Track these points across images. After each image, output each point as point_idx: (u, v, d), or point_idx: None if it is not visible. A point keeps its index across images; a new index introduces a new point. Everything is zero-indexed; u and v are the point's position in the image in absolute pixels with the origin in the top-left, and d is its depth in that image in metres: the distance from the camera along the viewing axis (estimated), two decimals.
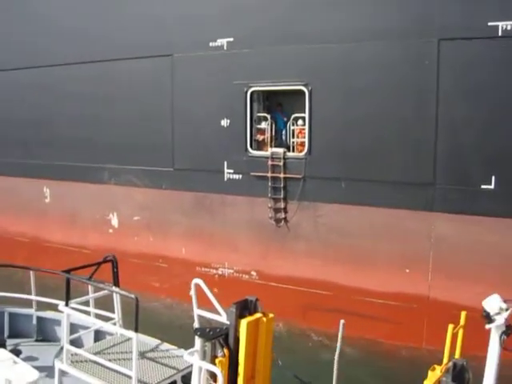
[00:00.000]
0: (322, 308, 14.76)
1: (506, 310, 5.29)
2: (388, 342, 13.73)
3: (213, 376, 6.30)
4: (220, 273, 16.67)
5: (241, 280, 16.15)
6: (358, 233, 14.73)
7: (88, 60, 18.55)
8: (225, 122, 16.25)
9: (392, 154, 14.13)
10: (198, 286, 6.61)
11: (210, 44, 16.23)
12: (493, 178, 13.02)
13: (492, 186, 13.05)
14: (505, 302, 5.35)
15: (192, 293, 6.61)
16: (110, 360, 7.23)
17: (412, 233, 14.02)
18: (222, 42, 16.07)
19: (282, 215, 15.71)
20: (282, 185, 15.55)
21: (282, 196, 15.59)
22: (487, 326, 5.31)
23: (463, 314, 5.97)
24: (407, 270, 14.14)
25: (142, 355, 7.52)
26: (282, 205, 15.66)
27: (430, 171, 13.72)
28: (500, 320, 5.21)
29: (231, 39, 15.93)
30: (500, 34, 12.55)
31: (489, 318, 5.34)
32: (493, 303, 5.33)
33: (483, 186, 13.12)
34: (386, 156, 14.21)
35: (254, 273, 16.16)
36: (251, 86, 15.88)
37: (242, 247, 16.33)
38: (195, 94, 16.81)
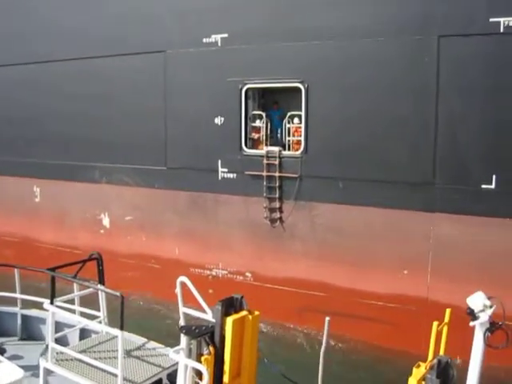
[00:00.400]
0: (317, 310, 14.86)
1: (490, 307, 5.41)
2: (385, 345, 13.86)
3: (198, 374, 6.45)
4: (214, 274, 16.81)
5: (235, 281, 16.29)
6: (355, 233, 14.84)
7: (79, 56, 18.69)
8: (219, 120, 16.39)
9: (390, 152, 14.24)
10: (183, 284, 6.77)
11: (204, 40, 16.36)
12: (493, 177, 13.13)
13: (493, 186, 13.15)
14: (489, 299, 5.47)
15: (177, 291, 6.77)
16: (95, 358, 7.38)
17: (410, 233, 14.14)
18: (216, 38, 16.20)
19: (278, 215, 15.85)
20: (277, 184, 15.69)
21: (277, 195, 15.73)
22: (471, 324, 5.44)
23: (448, 311, 6.14)
24: (405, 272, 14.26)
25: (128, 353, 7.67)
26: (277, 204, 15.79)
27: (429, 170, 13.83)
28: (484, 317, 5.33)
29: (225, 35, 16.06)
30: (502, 30, 12.63)
31: (473, 315, 5.45)
32: (477, 300, 5.45)
33: (484, 186, 13.23)
34: (385, 155, 14.32)
35: (248, 274, 16.31)
36: (246, 83, 16.00)
37: (236, 248, 16.47)
38: (188, 91, 16.93)
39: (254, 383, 6.97)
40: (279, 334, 15.20)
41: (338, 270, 14.96)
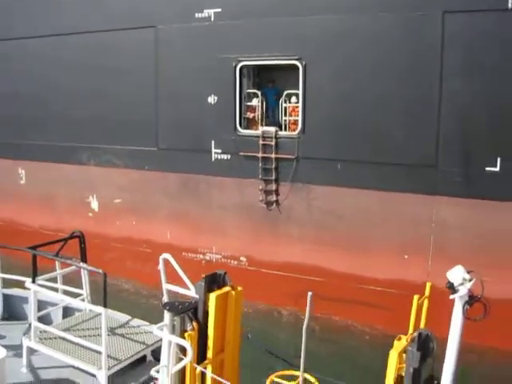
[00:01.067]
0: (315, 295, 15.16)
1: (470, 280, 5.75)
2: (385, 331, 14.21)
3: (182, 350, 6.80)
4: (207, 258, 17.19)
5: (229, 266, 16.64)
6: (354, 217, 15.19)
7: (66, 32, 18.90)
8: (212, 99, 16.64)
9: (392, 133, 14.51)
10: (167, 262, 7.12)
11: (196, 15, 16.55)
12: (498, 159, 13.38)
13: (497, 169, 13.42)
14: (468, 272, 5.82)
15: (160, 267, 7.12)
16: (79, 336, 7.77)
17: (412, 217, 14.46)
18: (209, 12, 16.38)
19: (274, 198, 16.18)
20: (273, 166, 16.00)
21: (273, 177, 16.05)
22: (451, 297, 5.77)
23: (428, 284, 6.54)
24: (406, 256, 14.58)
25: (112, 331, 8.07)
26: (273, 187, 16.12)
27: (432, 153, 14.10)
28: (463, 290, 5.65)
29: (219, 10, 16.24)
30: (510, 6, 12.77)
31: (453, 289, 5.80)
32: (456, 274, 5.79)
33: (488, 169, 13.49)
34: (386, 136, 14.59)
35: (243, 258, 16.69)
36: (241, 61, 16.23)
37: (230, 231, 16.84)
38: (180, 69, 17.18)
39: (238, 358, 7.36)
40: (274, 318, 15.57)
41: (336, 255, 15.31)
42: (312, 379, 6.94)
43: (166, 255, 7.09)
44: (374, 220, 14.98)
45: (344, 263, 15.22)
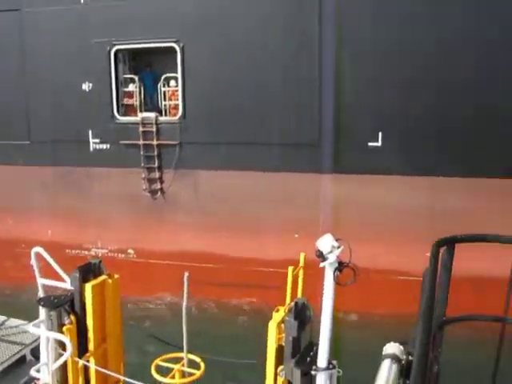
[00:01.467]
0: (209, 282, 15.41)
1: (338, 247, 6.20)
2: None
3: (62, 345, 6.80)
4: (93, 254, 16.92)
5: (117, 260, 16.54)
6: (242, 199, 15.55)
7: None
8: (87, 86, 16.36)
9: (274, 114, 14.97)
10: (38, 255, 7.05)
11: None
12: (380, 134, 14.15)
13: (379, 144, 14.19)
14: (337, 240, 6.27)
15: (33, 262, 7.04)
16: None
17: (299, 196, 15.04)
18: None
19: (158, 186, 16.26)
20: (155, 153, 16.05)
21: (156, 165, 16.10)
22: (321, 265, 6.21)
23: (302, 255, 6.98)
24: (296, 235, 15.10)
25: None
26: (156, 175, 16.19)
27: (315, 131, 14.68)
28: (332, 257, 6.10)
29: None
30: None
31: (322, 257, 6.23)
32: (325, 243, 6.23)
33: (370, 144, 14.24)
34: (268, 117, 15.04)
35: (131, 251, 16.63)
36: (115, 45, 16.07)
37: (115, 224, 16.69)
38: (51, 55, 16.68)
39: (121, 347, 7.46)
40: (168, 309, 15.69)
41: (227, 239, 15.59)
42: (197, 359, 7.17)
43: (38, 248, 7.02)
44: (263, 201, 15.39)
45: (234, 247, 15.54)
